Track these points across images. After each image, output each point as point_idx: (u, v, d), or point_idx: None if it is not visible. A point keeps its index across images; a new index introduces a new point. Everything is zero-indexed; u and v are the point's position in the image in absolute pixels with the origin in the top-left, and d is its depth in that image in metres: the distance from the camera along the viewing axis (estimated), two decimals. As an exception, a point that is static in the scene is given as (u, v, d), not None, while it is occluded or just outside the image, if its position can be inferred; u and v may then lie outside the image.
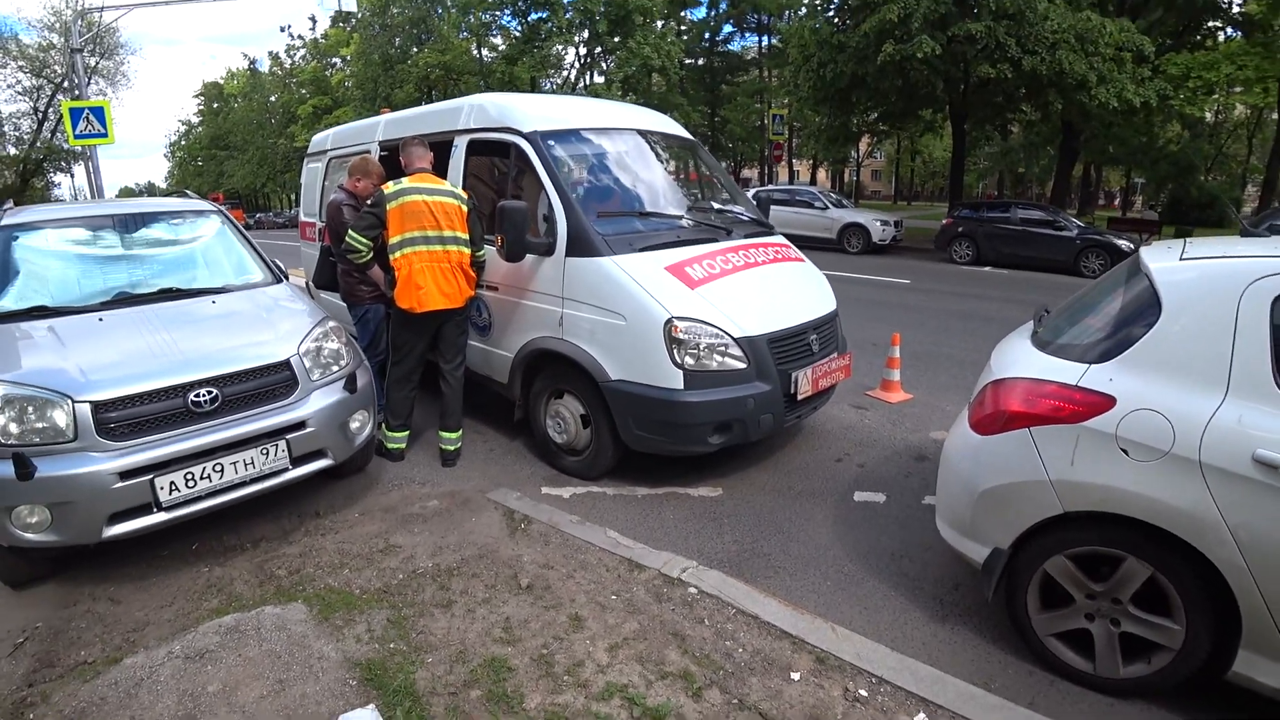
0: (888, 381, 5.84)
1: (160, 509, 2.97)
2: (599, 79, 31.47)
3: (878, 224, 17.19)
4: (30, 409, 2.81)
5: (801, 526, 3.69)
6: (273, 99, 43.77)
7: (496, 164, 5.84)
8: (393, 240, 3.95)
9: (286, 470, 3.31)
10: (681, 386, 3.59)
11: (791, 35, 17.14)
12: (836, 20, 16.37)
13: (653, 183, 4.53)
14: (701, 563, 3.20)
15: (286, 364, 3.37)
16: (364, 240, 3.99)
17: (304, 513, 3.76)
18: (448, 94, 31.15)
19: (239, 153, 44.10)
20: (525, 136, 4.20)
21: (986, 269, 14.95)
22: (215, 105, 51.23)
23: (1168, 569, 2.25)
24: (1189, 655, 2.30)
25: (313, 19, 50.97)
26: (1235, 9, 19.33)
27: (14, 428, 2.79)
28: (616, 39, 28.64)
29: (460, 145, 4.63)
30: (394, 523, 3.59)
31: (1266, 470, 2.03)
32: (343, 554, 3.28)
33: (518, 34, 29.93)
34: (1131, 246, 15.18)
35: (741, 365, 3.69)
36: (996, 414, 2.58)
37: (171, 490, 2.98)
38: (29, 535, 2.79)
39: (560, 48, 29.40)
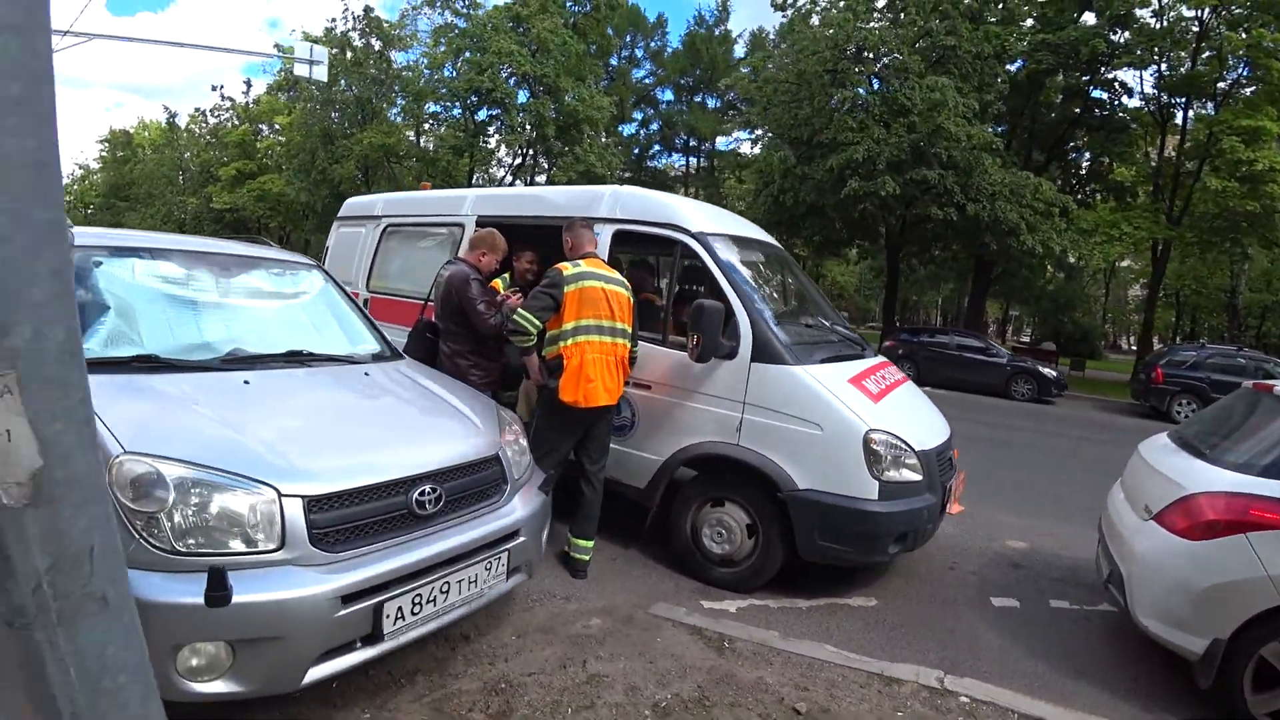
0: (944, 496, 6.12)
1: (380, 641, 2.30)
2: (540, 179, 32.33)
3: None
4: (216, 502, 2.09)
5: (971, 632, 3.84)
6: (186, 155, 42.00)
7: (644, 260, 5.77)
8: (566, 326, 3.77)
9: (498, 588, 2.78)
10: (876, 497, 3.63)
11: (756, 162, 18.44)
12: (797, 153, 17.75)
13: (802, 293, 4.67)
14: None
15: (497, 458, 2.92)
16: (536, 322, 3.76)
17: (448, 636, 3.18)
18: (384, 177, 31.06)
19: (142, 205, 41.56)
20: (694, 236, 4.20)
21: (926, 389, 16.03)
22: (120, 154, 48.46)
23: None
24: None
25: (248, 82, 49.78)
26: (1110, 176, 22.55)
27: (198, 529, 2.05)
28: (562, 145, 29.66)
29: (604, 234, 4.58)
30: (568, 646, 3.20)
31: None
32: (545, 689, 2.83)
33: (462, 130, 30.56)
34: (1054, 374, 16.77)
35: (918, 478, 3.80)
36: (1209, 524, 3.03)
37: (398, 618, 2.35)
38: (200, 687, 2.00)
39: (505, 148, 30.15)
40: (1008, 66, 17.81)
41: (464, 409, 3.10)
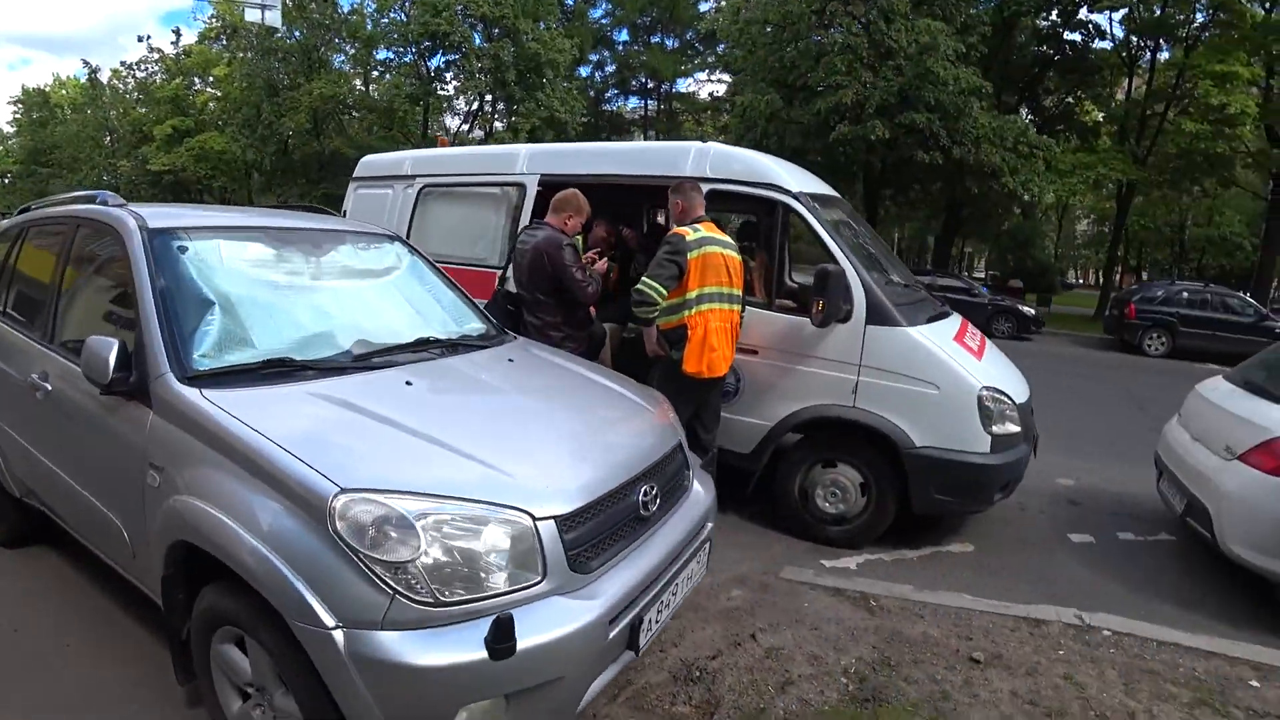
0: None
1: (636, 652, 2.17)
2: (499, 125, 31.31)
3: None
4: (473, 537, 1.83)
5: (1064, 569, 4.12)
6: (112, 114, 39.09)
7: (748, 222, 5.45)
8: (690, 294, 3.69)
9: (698, 576, 2.64)
10: (988, 450, 3.78)
11: (740, 107, 18.13)
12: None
13: (883, 250, 4.67)
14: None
15: (680, 444, 2.78)
16: (663, 290, 3.64)
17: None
18: (334, 129, 29.61)
19: (67, 171, 38.69)
20: (795, 197, 4.14)
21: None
22: (36, 115, 44.76)
23: None
24: None
25: (177, 31, 46.10)
26: (1077, 118, 22.98)
27: (458, 572, 1.79)
28: (523, 90, 28.63)
29: None
30: (725, 622, 3.18)
31: None
32: (734, 670, 2.79)
33: (416, 78, 29.23)
34: (1032, 312, 17.34)
35: (1018, 429, 3.96)
36: None
37: (649, 626, 2.20)
38: None
39: (462, 96, 29.00)
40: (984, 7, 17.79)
41: (630, 394, 2.93)
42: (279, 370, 2.33)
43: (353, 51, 28.53)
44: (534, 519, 1.90)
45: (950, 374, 3.80)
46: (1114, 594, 3.77)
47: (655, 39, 39.14)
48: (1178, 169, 19.41)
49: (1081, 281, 53.88)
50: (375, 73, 30.46)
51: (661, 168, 4.52)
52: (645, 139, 40.75)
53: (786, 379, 4.12)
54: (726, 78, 38.36)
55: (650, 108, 42.07)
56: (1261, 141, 19.19)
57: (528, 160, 5.10)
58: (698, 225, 3.79)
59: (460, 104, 32.16)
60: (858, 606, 3.37)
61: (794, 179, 4.31)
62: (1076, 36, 20.17)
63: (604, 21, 38.73)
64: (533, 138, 28.64)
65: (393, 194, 5.81)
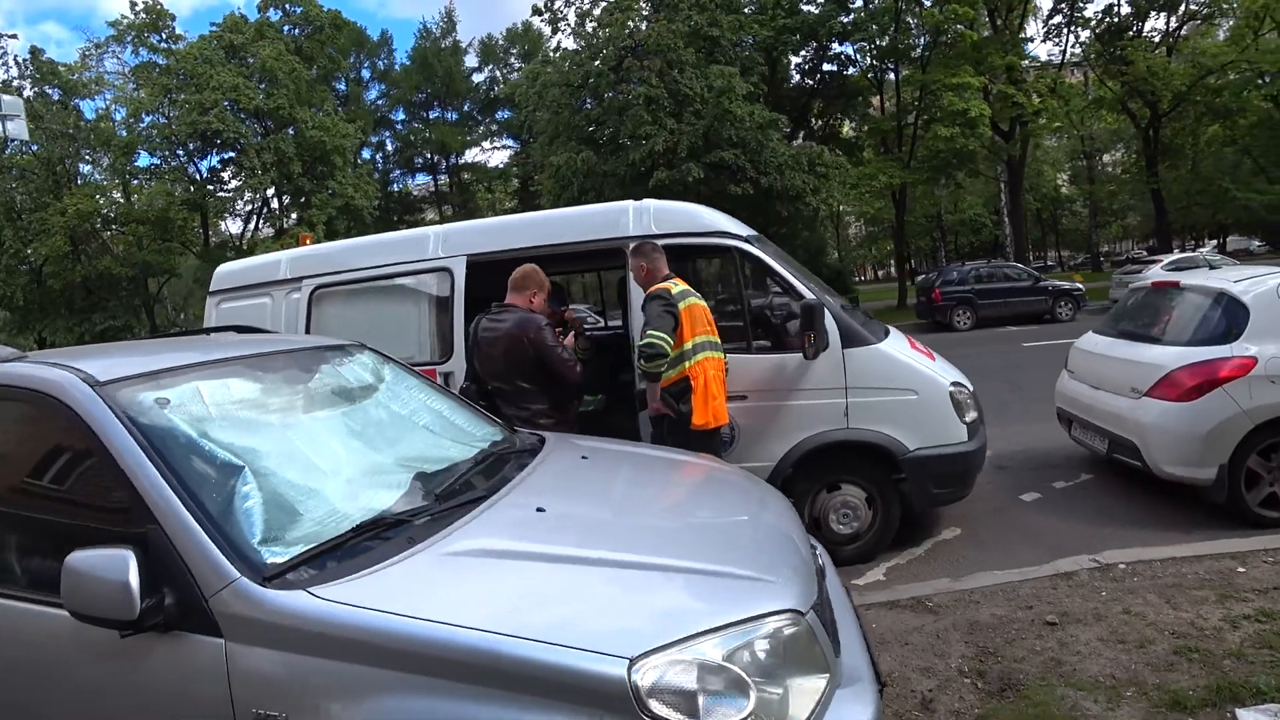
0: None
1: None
2: (291, 219, 29.39)
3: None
4: (786, 665, 1.61)
5: (1037, 524, 4.64)
6: None
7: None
8: (686, 345, 3.71)
9: None
10: (967, 439, 4.16)
11: (553, 167, 18.48)
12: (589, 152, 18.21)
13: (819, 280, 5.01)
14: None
15: None
16: (670, 342, 3.61)
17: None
18: (96, 247, 26.17)
19: None
20: (746, 240, 4.33)
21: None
22: None
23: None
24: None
25: None
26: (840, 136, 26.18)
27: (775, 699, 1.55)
28: (311, 181, 27.10)
29: None
30: None
31: None
32: (886, 705, 2.89)
33: (190, 182, 26.86)
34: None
35: (978, 413, 4.38)
36: (1194, 387, 4.15)
37: None
38: None
39: (251, 192, 27.01)
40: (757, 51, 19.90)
41: (723, 466, 3.00)
42: (371, 536, 1.82)
43: (109, 161, 25.48)
44: (802, 614, 1.68)
45: (923, 378, 4.16)
46: (1091, 533, 4.27)
47: (434, 114, 38.92)
48: (935, 167, 22.75)
49: (861, 279, 60.39)
50: (135, 181, 27.49)
51: (601, 231, 4.48)
52: (440, 214, 39.63)
53: (780, 417, 4.24)
54: (510, 143, 39.38)
55: (440, 182, 41.48)
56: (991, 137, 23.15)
57: (442, 242, 4.74)
58: (673, 279, 3.85)
59: (241, 205, 29.93)
60: (919, 612, 3.53)
61: (737, 224, 4.53)
62: (833, 67, 23.22)
63: (380, 103, 38.01)
64: (329, 229, 27.11)
65: (272, 303, 5.11)
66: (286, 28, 28.69)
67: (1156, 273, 13.03)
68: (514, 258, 4.30)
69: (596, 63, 17.14)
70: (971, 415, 4.26)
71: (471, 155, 40.88)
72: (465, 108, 39.47)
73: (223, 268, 5.61)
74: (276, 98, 25.33)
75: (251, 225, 30.02)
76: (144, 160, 26.58)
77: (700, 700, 1.41)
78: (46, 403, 1.87)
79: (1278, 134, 22.91)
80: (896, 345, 4.34)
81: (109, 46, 26.78)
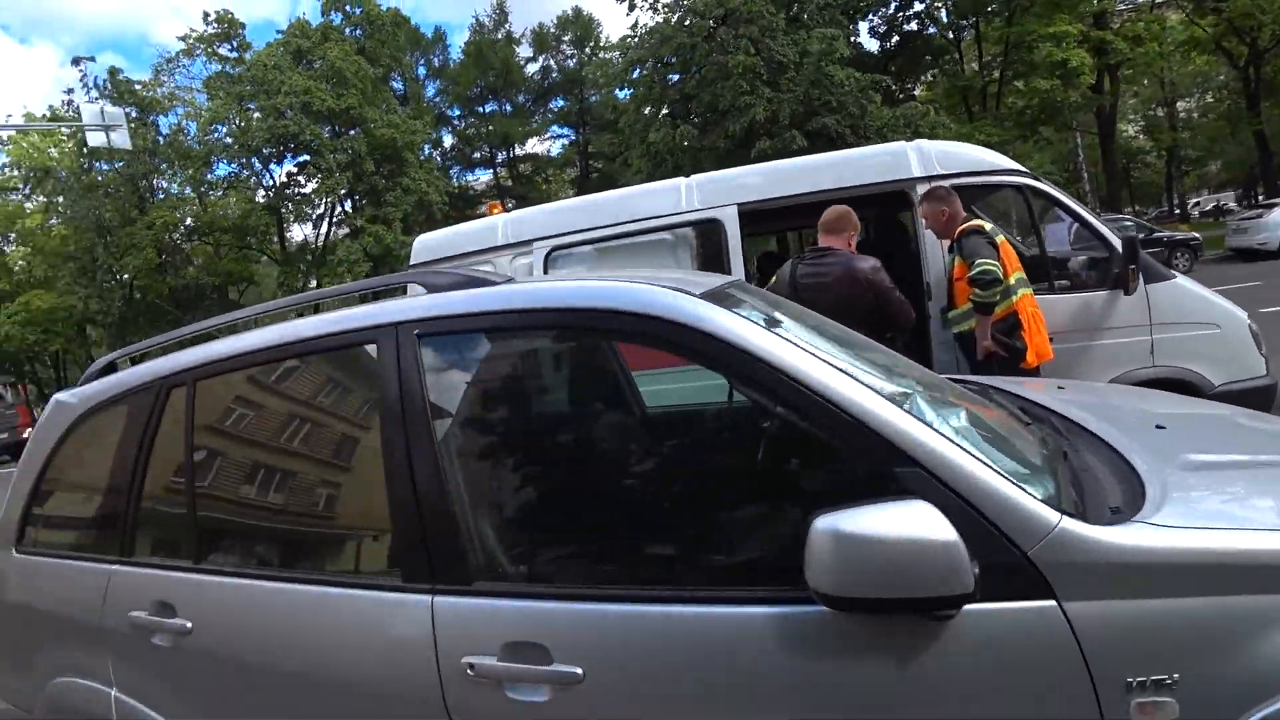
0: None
1: None
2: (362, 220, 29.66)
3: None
4: None
5: None
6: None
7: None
8: (1010, 280, 3.52)
9: None
10: (1265, 372, 3.92)
11: (647, 145, 18.14)
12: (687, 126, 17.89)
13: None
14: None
15: None
16: (1001, 268, 3.45)
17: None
18: (181, 259, 26.77)
19: None
20: (1034, 176, 4.20)
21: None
22: None
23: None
24: None
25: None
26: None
27: None
28: (384, 179, 27.27)
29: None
30: None
31: None
32: None
33: (269, 187, 27.33)
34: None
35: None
36: None
37: None
38: None
39: (326, 194, 27.34)
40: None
41: None
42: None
43: (191, 172, 26.01)
44: None
45: (1225, 311, 3.94)
46: None
47: (489, 107, 38.95)
48: (1022, 124, 21.85)
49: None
50: (211, 195, 27.99)
51: (884, 174, 4.23)
52: (504, 207, 39.27)
53: (1087, 357, 4.01)
54: (567, 132, 39.26)
55: (499, 175, 41.51)
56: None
57: (702, 193, 4.42)
58: (977, 219, 3.70)
59: (312, 209, 30.32)
60: None
61: (1011, 162, 4.33)
62: (914, 26, 22.46)
63: (438, 100, 38.21)
64: (405, 225, 27.29)
65: (495, 270, 4.89)
66: (349, 29, 28.84)
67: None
68: (791, 203, 4.20)
69: (686, 35, 16.71)
70: (1266, 349, 4.01)
71: (530, 146, 40.84)
72: (519, 99, 39.48)
73: (423, 238, 5.32)
74: (346, 98, 25.53)
75: (324, 228, 30.42)
76: (221, 170, 27.06)
77: None
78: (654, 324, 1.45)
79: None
80: (1188, 277, 4.16)
81: (179, 61, 27.20)
